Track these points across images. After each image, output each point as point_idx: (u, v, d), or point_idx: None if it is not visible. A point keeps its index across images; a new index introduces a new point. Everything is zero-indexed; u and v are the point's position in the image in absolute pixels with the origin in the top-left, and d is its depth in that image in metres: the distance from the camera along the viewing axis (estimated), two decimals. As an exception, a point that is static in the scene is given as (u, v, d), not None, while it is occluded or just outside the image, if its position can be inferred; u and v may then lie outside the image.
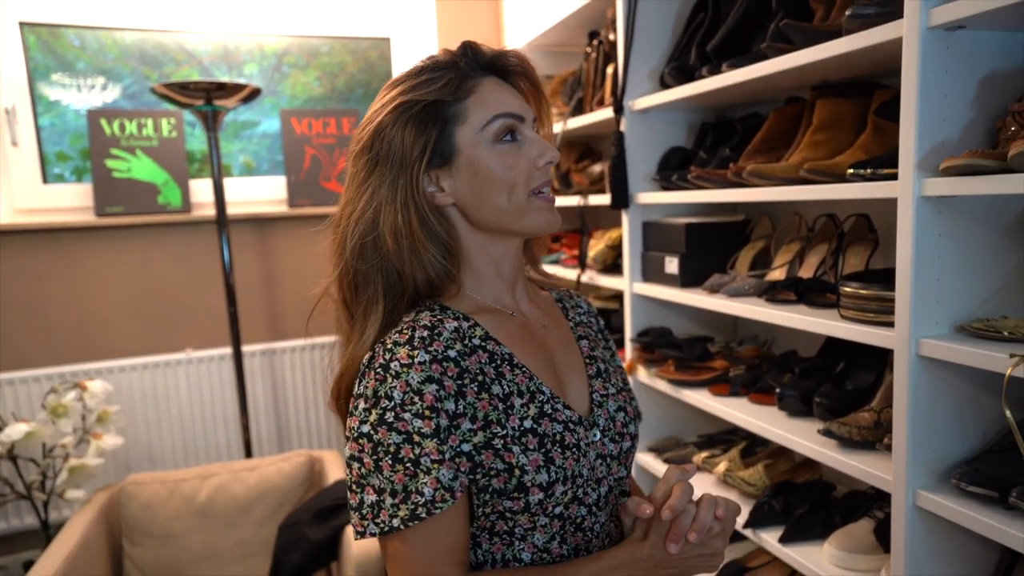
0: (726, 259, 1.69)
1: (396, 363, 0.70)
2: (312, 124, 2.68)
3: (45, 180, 2.46)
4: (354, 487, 0.72)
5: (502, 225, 0.79)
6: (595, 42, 2.05)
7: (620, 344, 1.99)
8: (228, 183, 2.60)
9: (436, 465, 0.69)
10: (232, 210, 2.51)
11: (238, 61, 2.65)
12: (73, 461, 1.99)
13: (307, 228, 2.68)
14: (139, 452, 2.48)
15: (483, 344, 0.77)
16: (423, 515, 0.68)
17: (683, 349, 1.75)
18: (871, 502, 1.39)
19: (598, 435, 0.82)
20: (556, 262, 2.34)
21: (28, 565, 2.31)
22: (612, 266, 2.02)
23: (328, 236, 0.82)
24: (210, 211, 2.52)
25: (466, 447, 0.72)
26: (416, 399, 0.69)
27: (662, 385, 1.76)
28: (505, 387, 0.76)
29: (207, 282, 2.57)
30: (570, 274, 2.17)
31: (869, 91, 1.36)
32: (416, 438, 0.69)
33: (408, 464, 0.69)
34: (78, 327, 2.44)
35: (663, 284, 1.74)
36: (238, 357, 2.35)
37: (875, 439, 1.22)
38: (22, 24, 2.37)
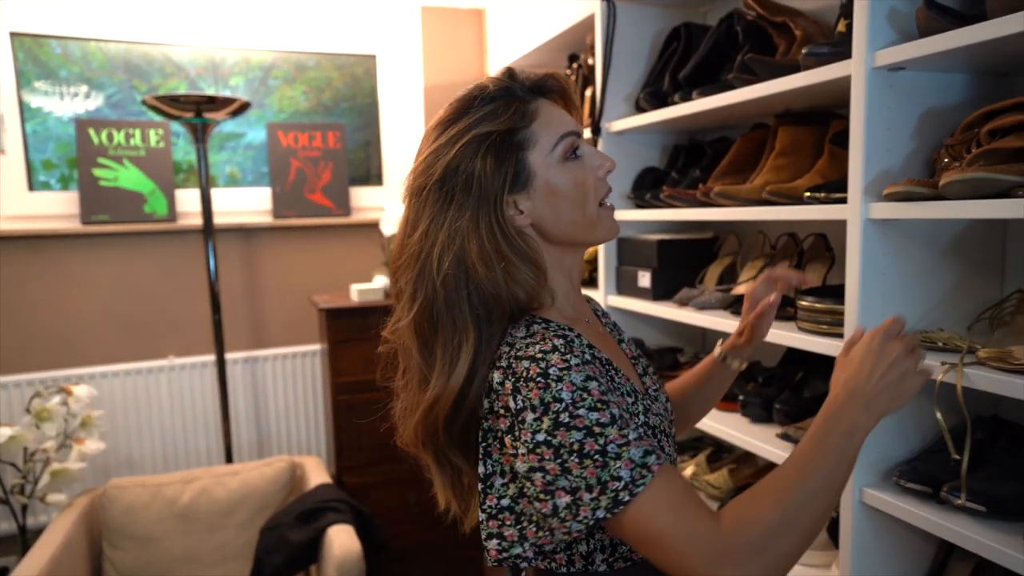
0: (695, 274, 1.78)
1: (554, 368, 0.70)
2: (298, 137, 2.75)
3: (31, 187, 2.49)
4: (542, 496, 0.70)
5: (576, 238, 0.84)
6: (575, 65, 2.14)
7: (595, 354, 2.07)
8: (214, 193, 2.65)
9: (624, 448, 0.68)
10: (217, 220, 2.56)
11: (224, 73, 2.71)
12: (55, 465, 2.02)
13: (291, 239, 2.75)
14: (119, 458, 2.50)
15: (592, 351, 0.80)
16: (626, 498, 0.67)
17: (655, 359, 1.84)
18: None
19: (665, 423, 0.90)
20: (534, 275, 2.42)
21: (3, 573, 2.31)
22: (588, 280, 2.11)
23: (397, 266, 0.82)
24: (196, 220, 2.56)
25: (639, 431, 0.73)
26: (585, 395, 0.70)
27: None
28: (618, 389, 0.80)
29: (191, 290, 2.61)
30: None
31: (826, 120, 1.47)
32: (597, 429, 0.68)
33: (596, 456, 0.68)
34: (62, 333, 2.47)
35: (636, 297, 1.83)
36: (221, 364, 2.39)
37: (828, 442, 1.31)
38: (12, 34, 2.41)
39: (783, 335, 1.31)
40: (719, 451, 1.82)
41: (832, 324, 1.23)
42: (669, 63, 1.75)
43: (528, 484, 0.71)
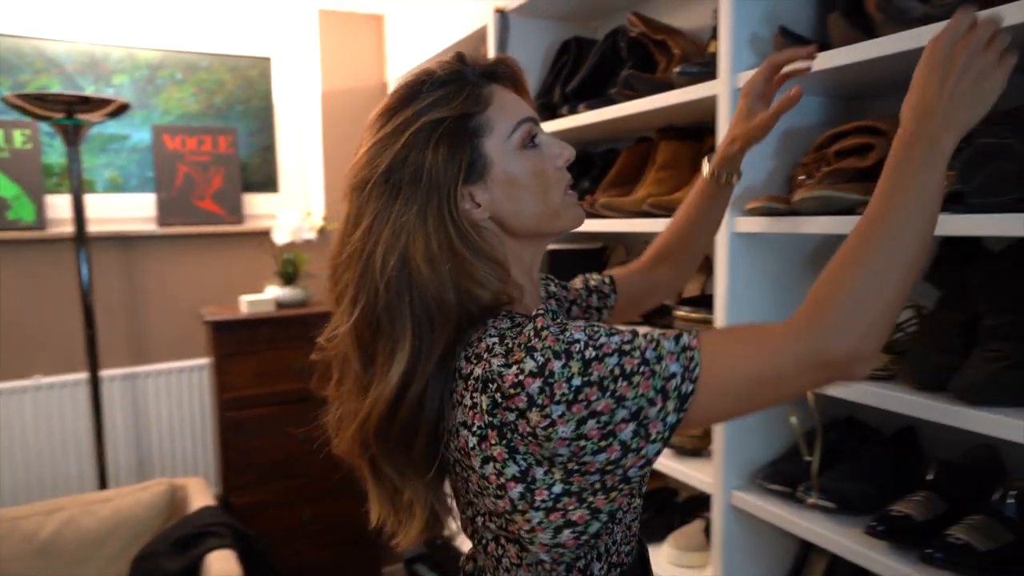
0: (586, 284, 1.81)
1: (545, 330, 0.64)
2: (186, 141, 2.61)
3: None
4: (603, 444, 0.62)
5: (541, 228, 0.78)
6: (471, 76, 2.14)
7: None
8: (92, 199, 2.47)
9: (658, 348, 0.63)
10: (95, 227, 2.39)
11: (106, 71, 2.54)
12: None
13: (177, 248, 2.60)
14: (-23, 486, 2.28)
15: None
16: (690, 389, 0.62)
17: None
18: (705, 504, 1.53)
19: None
20: (433, 285, 2.39)
21: None
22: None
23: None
24: (69, 228, 2.38)
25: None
26: (596, 328, 0.65)
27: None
28: None
29: (62, 304, 2.42)
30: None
31: (702, 135, 1.54)
32: (626, 348, 0.63)
33: (642, 368, 0.62)
34: (-93, 350, 2.23)
35: (529, 307, 1.84)
36: (95, 382, 2.22)
37: (704, 447, 1.36)
38: None
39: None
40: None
41: (704, 333, 1.28)
42: (560, 76, 1.78)
43: (582, 444, 0.62)
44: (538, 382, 0.62)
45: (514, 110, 0.76)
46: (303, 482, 2.34)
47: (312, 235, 2.48)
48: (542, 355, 0.63)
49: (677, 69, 1.28)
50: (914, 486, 1.06)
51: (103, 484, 2.25)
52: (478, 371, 0.67)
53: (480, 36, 2.00)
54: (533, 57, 1.91)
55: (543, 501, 0.66)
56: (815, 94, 1.22)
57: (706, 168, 1.02)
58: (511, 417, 0.64)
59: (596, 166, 1.82)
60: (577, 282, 1.06)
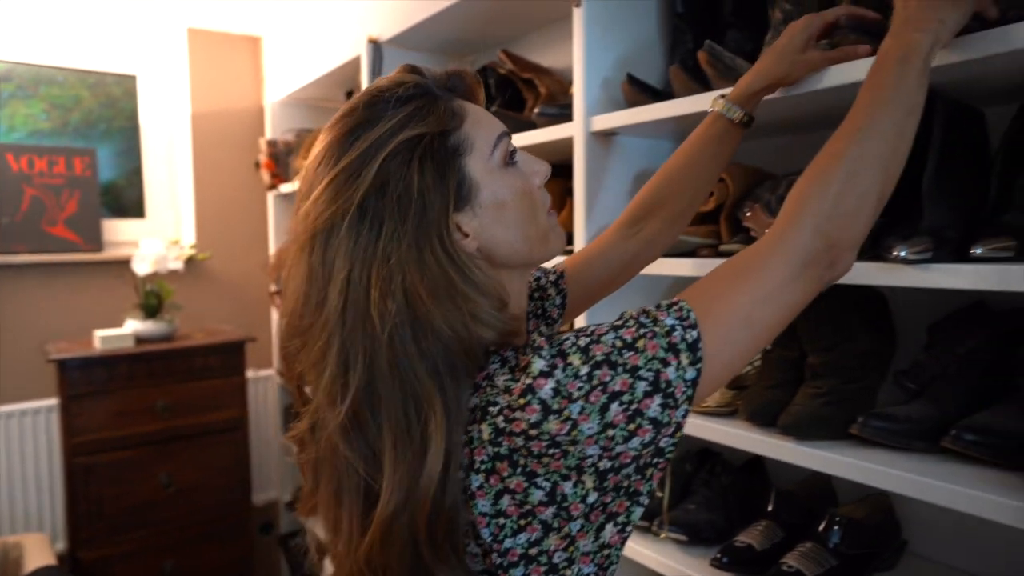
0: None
1: (544, 349, 0.57)
2: (34, 161, 2.41)
3: None
4: (632, 427, 0.56)
5: (532, 255, 0.68)
6: (348, 103, 2.11)
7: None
8: (-83, 222, 2.22)
9: (648, 313, 0.59)
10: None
11: (-62, 82, 2.31)
12: None
13: (21, 277, 2.37)
14: None
15: None
16: (694, 335, 0.57)
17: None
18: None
19: None
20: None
21: None
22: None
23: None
24: None
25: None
26: (584, 327, 0.59)
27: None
28: None
29: None
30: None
31: (571, 172, 1.57)
32: (618, 323, 0.58)
33: (641, 332, 0.57)
34: None
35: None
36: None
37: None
38: None
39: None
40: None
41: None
42: (433, 109, 1.78)
43: (611, 435, 0.56)
44: (550, 383, 0.55)
45: (490, 124, 0.66)
46: (164, 529, 2.17)
47: (179, 265, 2.34)
48: (549, 353, 0.56)
49: (536, 110, 1.30)
50: (759, 514, 1.11)
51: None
52: (475, 400, 0.59)
53: (356, 65, 1.98)
54: (409, 88, 1.89)
55: (579, 514, 0.59)
56: (664, 138, 1.27)
57: (720, 104, 0.89)
58: (519, 442, 0.56)
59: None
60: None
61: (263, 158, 2.52)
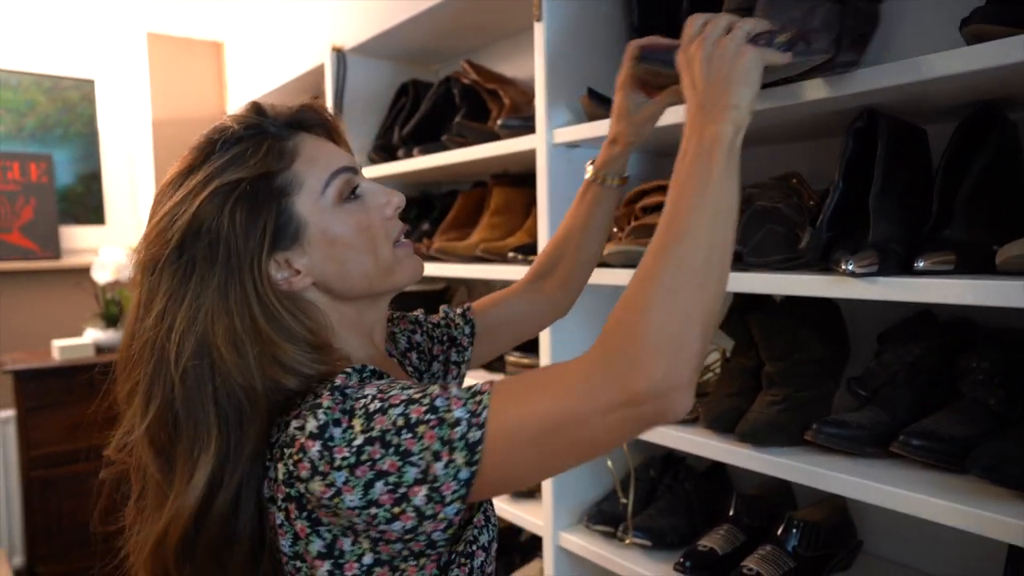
0: (429, 325, 1.81)
1: (336, 391, 0.59)
2: (-12, 167, 2.35)
3: None
4: (396, 511, 0.56)
5: (374, 288, 0.70)
6: (313, 110, 2.09)
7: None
8: None
9: (448, 395, 0.57)
10: None
11: None
12: None
13: (-25, 286, 2.31)
14: None
15: None
16: (477, 436, 0.55)
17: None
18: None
19: None
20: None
21: None
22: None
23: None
24: None
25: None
26: (391, 385, 0.60)
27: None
28: None
29: None
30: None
31: (535, 182, 1.59)
32: (416, 395, 0.58)
33: (428, 416, 0.56)
34: None
35: (371, 349, 1.80)
36: None
37: (537, 488, 1.38)
38: None
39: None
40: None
41: (533, 378, 1.31)
42: (398, 118, 1.78)
43: (373, 512, 0.56)
44: (317, 445, 0.56)
45: (327, 161, 0.68)
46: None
47: (140, 272, 2.29)
48: (325, 414, 0.57)
49: (500, 121, 1.31)
50: (721, 518, 1.14)
51: None
52: (280, 435, 0.61)
53: (320, 73, 1.97)
54: (374, 96, 1.89)
55: (352, 573, 0.60)
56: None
57: (589, 171, 0.95)
58: (302, 488, 0.58)
59: (436, 208, 1.83)
60: (436, 316, 0.98)
61: (227, 164, 2.49)
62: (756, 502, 1.12)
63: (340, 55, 1.81)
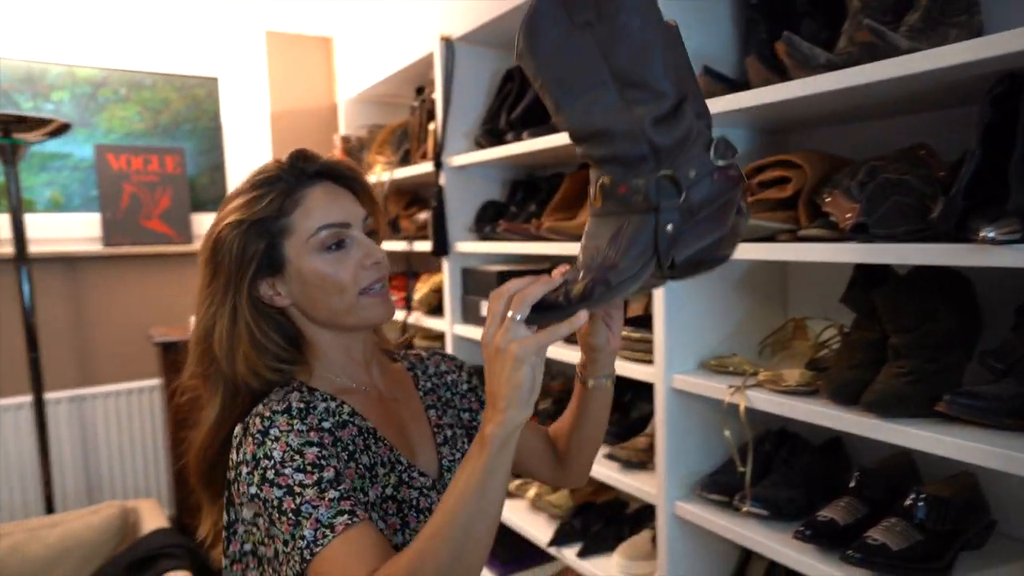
0: (535, 302, 1.87)
1: (275, 429, 0.75)
2: (131, 160, 2.58)
3: None
4: (266, 541, 0.77)
5: (336, 322, 0.85)
6: (420, 98, 2.19)
7: (444, 381, 2.11)
8: (32, 219, 2.42)
9: (315, 508, 0.71)
10: (36, 248, 2.34)
11: (44, 88, 2.50)
12: None
13: (125, 268, 2.57)
14: (-89, 519, 2.20)
15: (351, 419, 0.83)
16: (308, 556, 0.69)
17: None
18: (652, 515, 1.60)
19: None
20: (386, 303, 2.42)
21: None
22: (436, 308, 2.15)
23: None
24: (7, 249, 2.33)
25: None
26: (297, 457, 0.73)
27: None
28: (371, 458, 0.82)
29: (3, 326, 2.36)
30: (398, 315, 2.26)
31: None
32: (297, 489, 0.71)
33: (291, 514, 0.71)
34: None
35: (480, 326, 1.88)
36: (39, 405, 2.18)
37: (648, 459, 1.43)
38: None
39: (605, 362, 1.42)
40: (561, 470, 1.91)
41: (645, 351, 1.35)
42: (505, 103, 1.84)
43: (254, 529, 0.78)
44: (235, 471, 0.77)
45: (322, 215, 0.83)
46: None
47: (263, 255, 2.48)
48: (242, 454, 0.75)
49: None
50: (839, 492, 1.14)
51: (50, 509, 2.21)
52: (248, 420, 0.79)
53: (429, 62, 2.05)
54: (479, 83, 1.96)
55: (233, 553, 0.82)
56: (741, 127, 1.30)
57: (581, 378, 0.92)
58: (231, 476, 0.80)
59: (542, 190, 1.88)
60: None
61: (337, 153, 2.63)
62: (879, 476, 1.12)
63: (449, 44, 1.89)
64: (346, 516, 0.71)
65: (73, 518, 1.95)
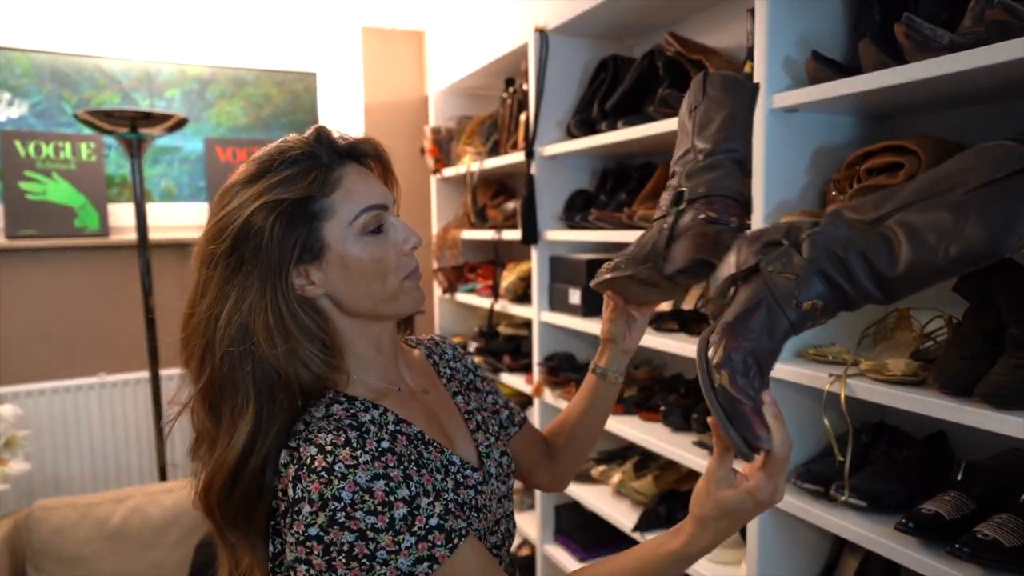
0: (622, 291, 1.88)
1: (340, 465, 0.69)
2: (236, 153, 2.75)
3: (-48, 199, 2.42)
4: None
5: (376, 311, 0.80)
6: (511, 89, 2.24)
7: (528, 368, 2.16)
8: (149, 208, 2.62)
9: (393, 556, 0.67)
10: (153, 235, 2.53)
11: (159, 86, 2.69)
12: (-24, 487, 1.96)
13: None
14: (44, 478, 2.43)
15: (398, 428, 0.79)
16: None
17: (584, 373, 1.93)
18: (740, 504, 1.59)
19: (494, 484, 0.88)
20: (472, 291, 2.49)
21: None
22: (522, 296, 2.19)
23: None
24: (130, 235, 2.53)
25: (433, 521, 0.71)
26: (367, 497, 0.68)
27: (565, 406, 1.93)
28: (428, 464, 0.79)
29: (125, 306, 2.56)
30: (484, 303, 2.32)
31: (737, 151, 1.60)
32: (370, 534, 0.67)
33: (364, 560, 0.67)
34: (-17, 350, 2.39)
35: (567, 313, 1.92)
36: (155, 380, 2.36)
37: (739, 448, 1.42)
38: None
39: (693, 349, 1.42)
40: (645, 459, 1.92)
41: (740, 339, 1.34)
42: (598, 92, 1.86)
43: (291, 574, 0.71)
44: (289, 507, 0.70)
45: (363, 196, 0.78)
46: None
47: (356, 242, 2.59)
48: (302, 491, 0.69)
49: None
50: (941, 487, 1.11)
51: (163, 476, 2.39)
52: (299, 426, 0.75)
53: (520, 53, 2.09)
54: (571, 73, 1.99)
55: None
56: (847, 113, 1.28)
57: (600, 372, 1.04)
58: (278, 508, 0.74)
59: (632, 179, 1.89)
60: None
61: (427, 144, 2.72)
62: (988, 471, 1.09)
63: (543, 35, 1.92)
64: (426, 564, 0.69)
65: (185, 485, 2.10)
